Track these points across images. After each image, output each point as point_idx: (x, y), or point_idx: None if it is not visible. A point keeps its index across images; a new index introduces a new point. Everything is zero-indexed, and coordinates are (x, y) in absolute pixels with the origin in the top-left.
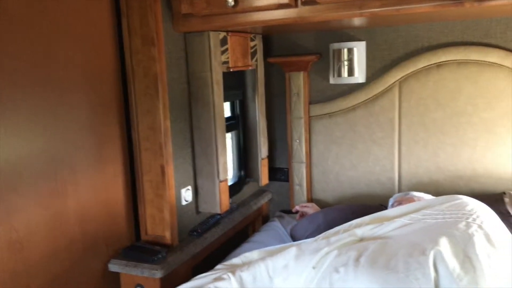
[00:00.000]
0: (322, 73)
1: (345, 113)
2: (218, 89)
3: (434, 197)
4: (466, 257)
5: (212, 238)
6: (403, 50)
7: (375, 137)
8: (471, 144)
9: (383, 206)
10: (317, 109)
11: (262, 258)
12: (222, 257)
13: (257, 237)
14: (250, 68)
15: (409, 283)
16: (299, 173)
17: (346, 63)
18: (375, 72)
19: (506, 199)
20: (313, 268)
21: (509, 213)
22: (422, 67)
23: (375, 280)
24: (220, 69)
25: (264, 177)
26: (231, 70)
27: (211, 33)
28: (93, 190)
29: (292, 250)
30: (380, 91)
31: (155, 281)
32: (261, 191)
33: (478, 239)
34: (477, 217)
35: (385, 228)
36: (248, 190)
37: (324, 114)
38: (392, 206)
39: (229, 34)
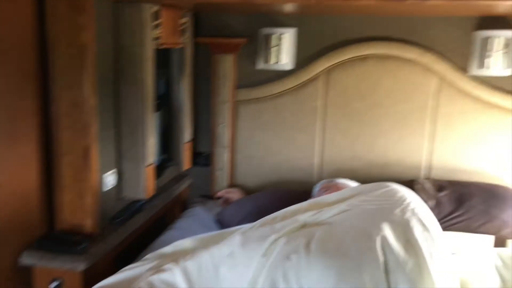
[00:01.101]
0: (251, 58)
1: (272, 99)
2: (149, 66)
3: (358, 183)
4: (408, 242)
5: (135, 226)
6: (331, 41)
7: (300, 124)
8: (386, 134)
9: (307, 192)
10: (243, 94)
11: (206, 247)
12: (144, 246)
13: (181, 223)
14: (179, 46)
15: (362, 267)
16: (222, 157)
17: (275, 49)
18: (303, 60)
19: (417, 186)
20: (263, 256)
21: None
22: (348, 59)
23: (329, 266)
24: (152, 45)
25: (186, 161)
26: (163, 47)
27: (145, 5)
28: (2, 172)
29: (236, 237)
30: (307, 79)
31: (77, 274)
32: (181, 176)
33: (414, 224)
34: (409, 203)
35: (326, 214)
36: (168, 174)
37: (251, 99)
38: (319, 192)
39: (162, 8)
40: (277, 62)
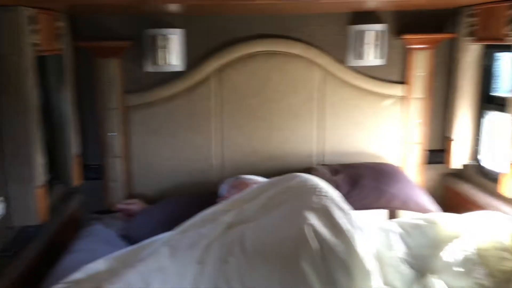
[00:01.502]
0: (138, 60)
1: (165, 102)
2: (30, 76)
3: (263, 179)
4: (332, 225)
5: (30, 255)
6: (220, 40)
7: (196, 125)
8: (279, 127)
9: (214, 193)
10: (134, 99)
11: (128, 265)
12: (43, 275)
13: (80, 245)
14: (58, 52)
15: (301, 258)
16: (116, 168)
17: (163, 50)
18: (193, 61)
19: (315, 173)
20: (199, 263)
21: None
22: (238, 57)
23: (269, 263)
24: (31, 52)
25: (76, 177)
26: (43, 54)
27: (20, 9)
28: None
29: (162, 249)
30: (199, 79)
31: None
32: (70, 193)
33: (333, 208)
34: (321, 189)
35: (248, 211)
36: (56, 193)
37: (142, 104)
38: (228, 191)
39: (39, 11)
40: (166, 64)
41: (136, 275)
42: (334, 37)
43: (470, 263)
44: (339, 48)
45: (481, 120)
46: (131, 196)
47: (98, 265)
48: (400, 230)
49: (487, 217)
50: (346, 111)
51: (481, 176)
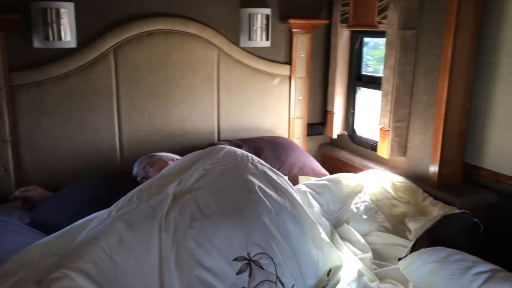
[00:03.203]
0: (25, 35)
1: (57, 81)
2: None
3: (176, 156)
4: (275, 187)
5: None
6: (115, 16)
7: (93, 105)
8: (180, 105)
9: (126, 173)
10: (21, 78)
11: (90, 243)
12: None
13: None
14: None
15: (260, 216)
16: (3, 154)
17: (54, 25)
18: (87, 37)
19: None
20: (164, 231)
21: None
22: (135, 35)
23: (232, 221)
24: None
25: None
26: None
27: None
28: None
29: (117, 224)
30: (95, 57)
31: None
32: None
33: (269, 172)
34: (252, 157)
35: (188, 182)
36: None
37: (31, 83)
38: (145, 169)
39: None
40: (57, 40)
41: (99, 251)
42: (227, 19)
43: (372, 211)
44: (232, 30)
45: (353, 95)
46: (23, 184)
47: (29, 252)
48: (311, 191)
49: (374, 175)
50: (240, 89)
51: (354, 144)
